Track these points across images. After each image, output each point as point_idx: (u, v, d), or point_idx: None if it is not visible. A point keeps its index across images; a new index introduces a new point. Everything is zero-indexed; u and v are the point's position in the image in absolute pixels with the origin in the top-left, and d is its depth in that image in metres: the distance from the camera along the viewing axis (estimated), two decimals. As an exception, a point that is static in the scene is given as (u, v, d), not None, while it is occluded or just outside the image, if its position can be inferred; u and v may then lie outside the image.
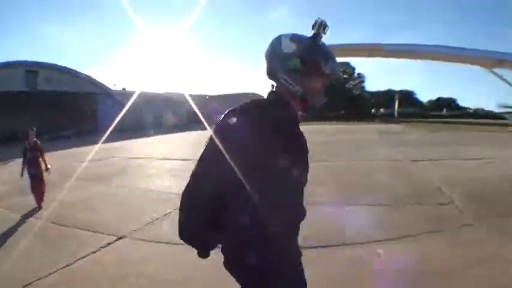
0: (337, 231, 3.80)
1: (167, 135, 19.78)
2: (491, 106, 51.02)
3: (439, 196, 5.47)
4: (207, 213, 1.24)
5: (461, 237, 3.76)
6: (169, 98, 30.96)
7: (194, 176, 1.24)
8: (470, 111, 59.01)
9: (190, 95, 28.78)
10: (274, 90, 1.31)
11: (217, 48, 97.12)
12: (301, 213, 1.26)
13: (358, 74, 51.31)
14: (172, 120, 29.27)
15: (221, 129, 1.21)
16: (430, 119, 38.47)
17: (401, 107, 46.74)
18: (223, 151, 1.15)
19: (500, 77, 5.08)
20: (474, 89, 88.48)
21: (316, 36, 1.26)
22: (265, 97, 1.34)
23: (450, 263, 3.10)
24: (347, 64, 48.20)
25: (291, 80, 1.25)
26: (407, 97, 55.57)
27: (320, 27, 1.24)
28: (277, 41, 1.29)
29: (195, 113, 20.37)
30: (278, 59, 1.27)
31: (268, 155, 1.13)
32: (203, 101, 29.11)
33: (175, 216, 1.28)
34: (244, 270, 1.19)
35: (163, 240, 3.72)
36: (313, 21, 1.24)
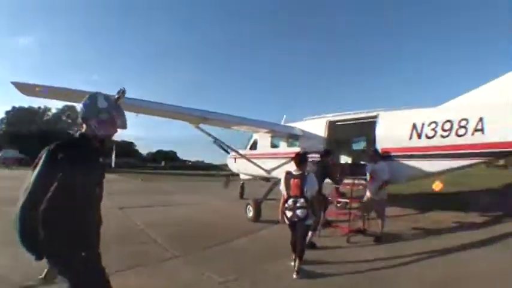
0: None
1: None
2: (209, 159, 53.28)
3: (143, 236, 5.97)
4: (34, 224, 1.57)
5: (163, 269, 4.28)
6: None
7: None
8: (190, 163, 63.31)
9: None
10: (83, 131, 1.80)
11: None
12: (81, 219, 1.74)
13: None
14: None
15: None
16: (147, 170, 40.10)
17: (120, 157, 45.37)
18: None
19: (205, 132, 7.31)
20: (193, 144, 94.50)
21: (118, 99, 1.82)
22: (77, 135, 1.82)
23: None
24: (73, 108, 46.91)
25: (98, 126, 1.76)
26: (127, 148, 55.97)
27: (122, 94, 1.81)
28: (95, 98, 1.79)
29: None
30: (93, 110, 1.75)
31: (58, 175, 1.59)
32: None
33: None
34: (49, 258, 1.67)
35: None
36: (119, 89, 1.82)
